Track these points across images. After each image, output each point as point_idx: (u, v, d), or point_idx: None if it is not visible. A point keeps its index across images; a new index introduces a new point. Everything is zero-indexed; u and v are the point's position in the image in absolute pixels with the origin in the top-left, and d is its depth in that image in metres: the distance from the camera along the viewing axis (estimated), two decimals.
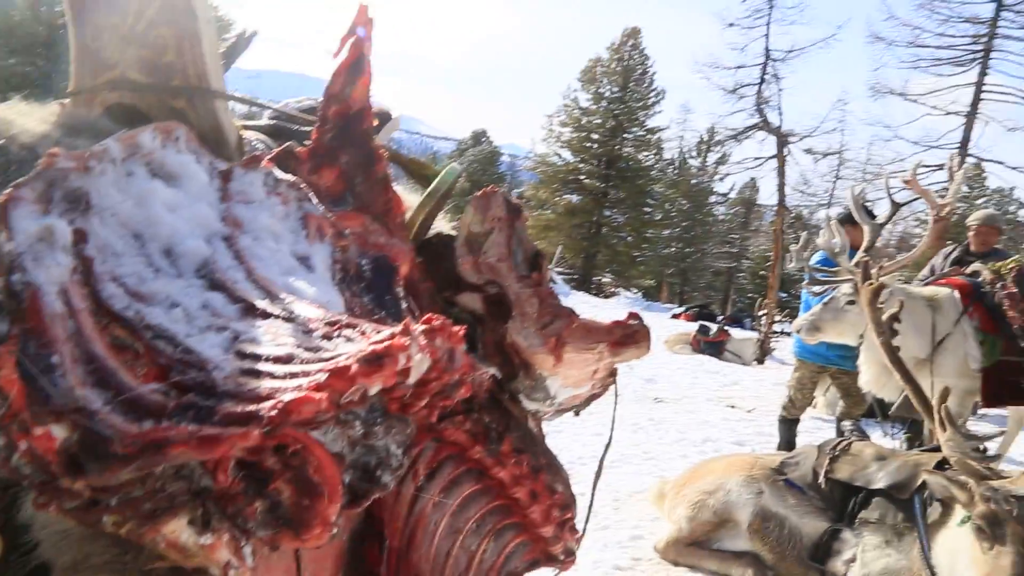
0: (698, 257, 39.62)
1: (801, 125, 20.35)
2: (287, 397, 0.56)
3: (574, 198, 35.32)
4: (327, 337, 0.75)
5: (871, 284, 4.21)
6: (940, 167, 17.99)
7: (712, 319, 20.90)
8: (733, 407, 8.69)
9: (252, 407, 0.56)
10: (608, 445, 2.09)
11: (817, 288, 5.98)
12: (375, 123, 1.54)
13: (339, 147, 1.47)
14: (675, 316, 23.46)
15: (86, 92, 1.51)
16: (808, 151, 19.95)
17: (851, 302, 5.34)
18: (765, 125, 18.77)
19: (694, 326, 16.73)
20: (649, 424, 7.09)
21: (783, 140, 18.54)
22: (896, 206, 5.87)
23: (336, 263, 1.18)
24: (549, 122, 36.06)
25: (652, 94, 35.22)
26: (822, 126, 19.98)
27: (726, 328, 15.50)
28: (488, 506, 1.50)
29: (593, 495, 2.11)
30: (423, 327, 0.79)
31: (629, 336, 1.54)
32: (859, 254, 5.26)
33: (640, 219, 35.50)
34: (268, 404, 0.56)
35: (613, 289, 32.77)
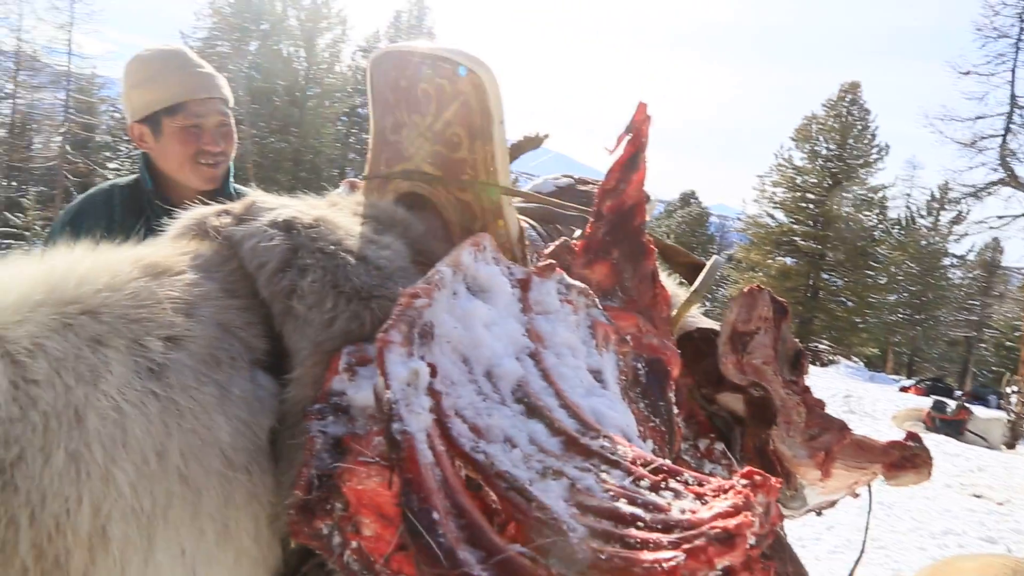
0: (930, 325, 36.46)
1: None
2: None
3: (788, 260, 34.03)
4: (655, 488, 0.75)
5: None
6: None
7: (948, 394, 19.04)
8: (979, 496, 7.81)
9: None
10: (859, 559, 1.95)
11: None
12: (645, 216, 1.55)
13: (612, 242, 1.49)
14: (903, 389, 21.68)
15: (381, 178, 1.64)
16: None
17: None
18: (1012, 180, 16.99)
19: (927, 401, 15.31)
20: (879, 508, 6.52)
21: None
22: None
23: (621, 373, 1.19)
24: (761, 182, 35.13)
25: (874, 150, 33.26)
26: None
27: (967, 405, 14.00)
28: None
29: None
30: (746, 482, 0.76)
31: (909, 459, 1.43)
32: None
33: (862, 282, 33.44)
34: None
35: (831, 357, 30.87)
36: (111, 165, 30.63)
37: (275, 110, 31.52)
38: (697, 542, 0.62)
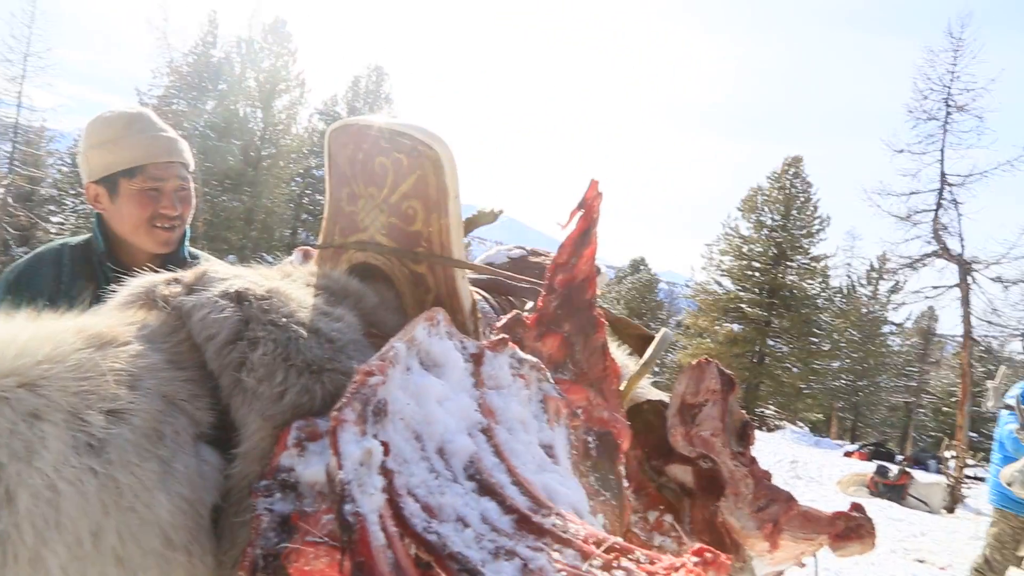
0: (872, 390, 37.36)
1: (986, 251, 18.94)
2: None
3: (735, 327, 34.72)
4: (607, 568, 0.75)
5: None
6: None
7: (891, 459, 19.40)
8: (922, 561, 7.89)
9: None
10: None
11: None
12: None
13: (563, 316, 1.51)
14: (848, 454, 22.02)
15: (334, 247, 1.65)
16: (997, 279, 18.50)
17: None
18: (944, 252, 17.72)
19: (870, 466, 15.55)
20: (825, 575, 6.54)
21: (966, 268, 17.40)
22: None
23: (572, 447, 1.19)
24: (709, 251, 36.06)
25: (816, 221, 34.52)
26: (1011, 252, 18.56)
27: (908, 470, 14.24)
28: None
29: None
30: (696, 559, 0.77)
31: (853, 530, 1.45)
32: None
33: (806, 349, 34.27)
34: None
35: (777, 422, 31.31)
36: (55, 219, 29.98)
37: (229, 169, 31.34)
38: None
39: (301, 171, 34.19)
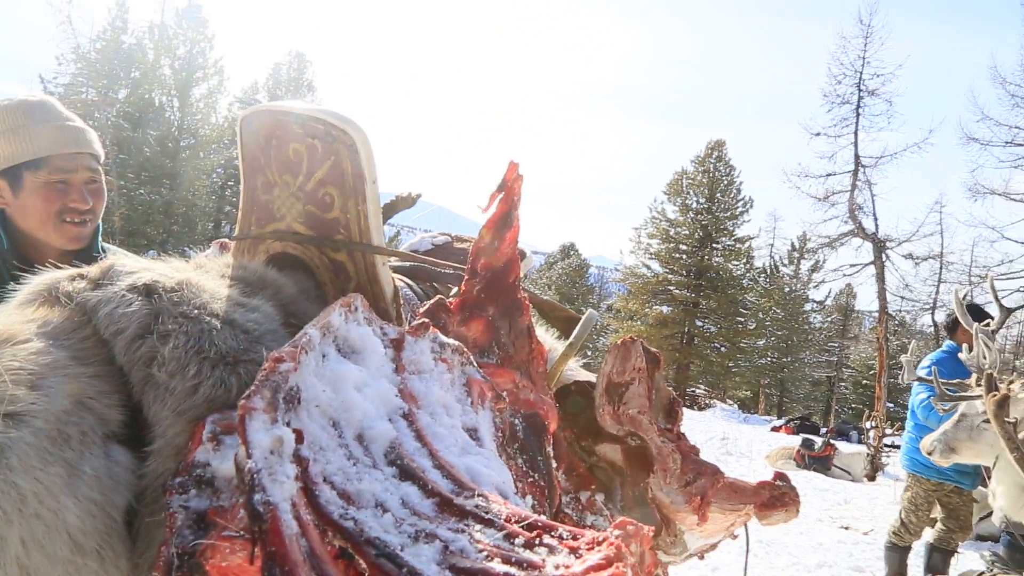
0: (796, 367, 38.63)
1: (899, 230, 19.81)
2: None
3: (664, 309, 35.38)
4: (529, 545, 0.74)
5: (995, 395, 3.94)
6: None
7: (815, 432, 20.04)
8: (847, 528, 8.20)
9: None
10: None
11: (948, 404, 5.50)
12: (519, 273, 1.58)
13: (487, 299, 1.50)
14: (775, 429, 22.67)
15: (251, 238, 1.60)
16: (908, 256, 19.34)
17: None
18: (860, 232, 18.40)
19: (796, 439, 16.04)
20: (758, 546, 6.72)
21: (880, 246, 18.10)
22: (1007, 311, 5.51)
23: (497, 429, 1.19)
24: (637, 234, 36.56)
25: (740, 204, 35.39)
26: (921, 230, 19.43)
27: (832, 442, 14.74)
28: None
29: None
30: (618, 532, 0.77)
31: (778, 499, 1.48)
32: (982, 362, 4.92)
33: (733, 329, 35.20)
34: None
35: (708, 401, 32.05)
36: None
37: (146, 161, 29.89)
38: None
39: (222, 161, 32.77)
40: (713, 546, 1.96)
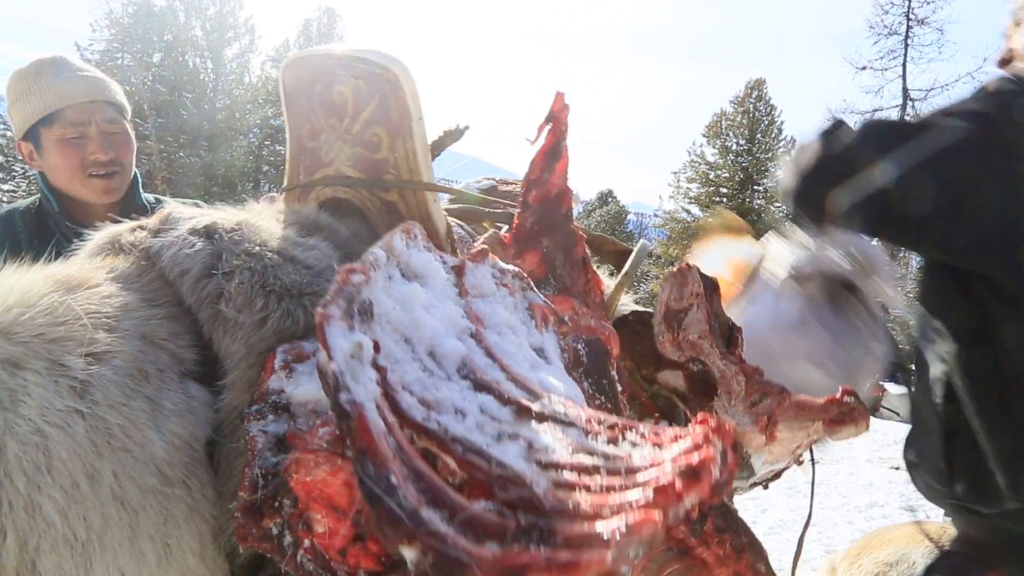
0: None
1: None
2: (629, 519, 0.55)
3: None
4: (612, 442, 0.74)
5: None
6: None
7: None
8: (897, 468, 8.13)
9: (591, 528, 0.55)
10: (807, 523, 1.99)
11: None
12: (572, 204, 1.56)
13: (540, 231, 1.49)
14: None
15: (301, 188, 1.61)
16: None
17: None
18: None
19: None
20: (808, 487, 6.66)
21: None
22: None
23: (563, 351, 1.18)
24: (676, 179, 36.05)
25: (781, 144, 34.60)
26: None
27: (881, 383, 14.49)
28: None
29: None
30: (701, 428, 0.76)
31: (847, 414, 1.46)
32: None
33: None
34: (609, 525, 0.55)
35: None
36: (5, 187, 28.78)
37: (183, 123, 30.19)
38: (662, 479, 0.61)
39: (258, 121, 32.65)
40: (778, 474, 1.95)
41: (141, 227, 1.25)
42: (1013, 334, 1.56)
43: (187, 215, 1.21)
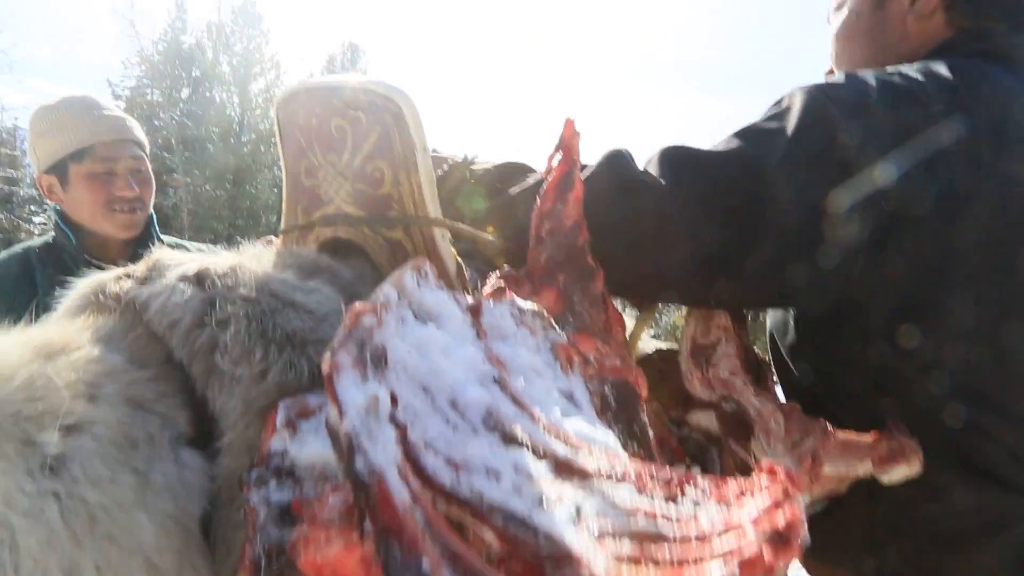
0: None
1: None
2: None
3: None
4: (672, 500, 0.63)
5: None
6: None
7: None
8: None
9: None
10: None
11: None
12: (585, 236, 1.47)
13: (556, 266, 1.39)
14: None
15: (299, 229, 1.51)
16: None
17: None
18: None
19: None
20: None
21: None
22: None
23: (591, 395, 1.08)
24: None
25: None
26: None
27: None
28: None
29: None
30: (772, 479, 0.66)
31: (897, 451, 1.35)
32: None
33: None
34: None
35: None
36: (37, 220, 29.02)
37: (209, 158, 30.52)
38: (747, 550, 0.51)
39: (278, 143, 33.21)
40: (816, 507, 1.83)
41: (128, 275, 1.14)
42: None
43: (176, 260, 1.12)
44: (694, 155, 1.38)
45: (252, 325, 0.96)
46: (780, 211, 1.27)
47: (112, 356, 0.98)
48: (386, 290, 0.81)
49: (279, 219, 1.55)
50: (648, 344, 1.79)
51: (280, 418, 0.90)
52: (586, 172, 1.46)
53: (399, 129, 1.29)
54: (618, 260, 1.40)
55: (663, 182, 1.37)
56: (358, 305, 0.67)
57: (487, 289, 1.31)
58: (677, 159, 1.39)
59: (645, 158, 1.49)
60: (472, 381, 0.85)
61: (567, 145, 1.42)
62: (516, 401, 0.86)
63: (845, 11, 1.66)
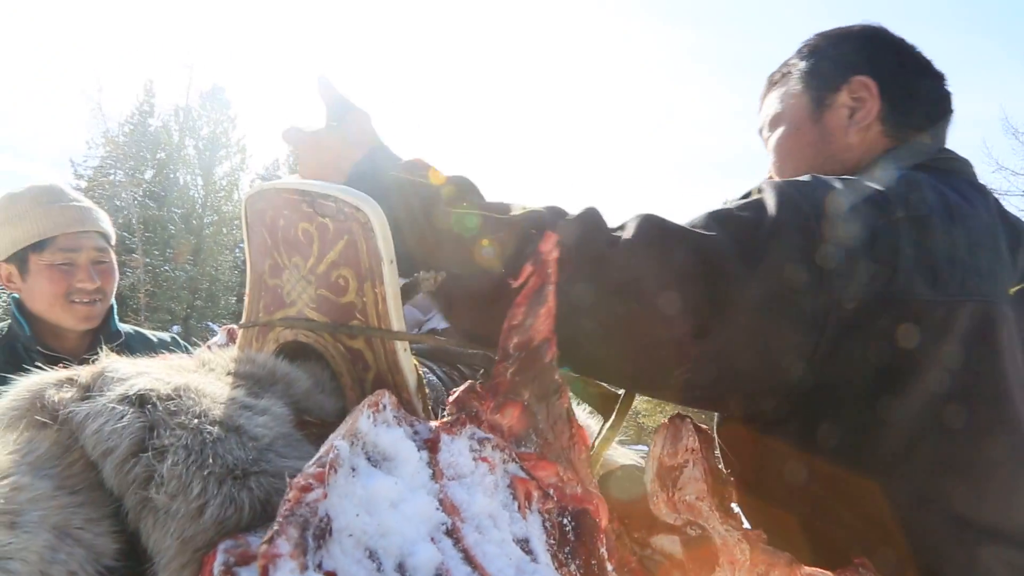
0: None
1: None
2: None
3: None
4: None
5: None
6: None
7: None
8: None
9: None
10: None
11: None
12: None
13: (522, 382, 1.36)
14: None
15: (260, 325, 1.47)
16: None
17: None
18: None
19: None
20: None
21: None
22: None
23: (548, 535, 1.03)
24: None
25: None
26: None
27: None
28: None
29: None
30: None
31: None
32: None
33: None
34: None
35: None
36: None
37: (170, 238, 30.36)
38: None
39: (245, 237, 33.33)
40: None
41: (71, 381, 1.09)
42: None
43: (122, 373, 1.06)
44: (673, 230, 1.36)
45: (191, 457, 0.91)
46: (745, 302, 1.28)
47: (40, 483, 0.92)
48: (337, 444, 0.76)
49: (239, 300, 1.52)
50: (617, 454, 1.76)
51: (218, 562, 0.84)
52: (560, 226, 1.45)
53: (366, 239, 1.27)
54: (583, 340, 1.40)
55: (636, 256, 1.35)
56: (300, 479, 0.63)
57: (451, 406, 1.27)
58: (656, 230, 1.37)
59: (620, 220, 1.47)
60: (423, 536, 0.81)
61: (543, 259, 1.41)
62: (468, 558, 0.81)
63: (783, 127, 1.74)
